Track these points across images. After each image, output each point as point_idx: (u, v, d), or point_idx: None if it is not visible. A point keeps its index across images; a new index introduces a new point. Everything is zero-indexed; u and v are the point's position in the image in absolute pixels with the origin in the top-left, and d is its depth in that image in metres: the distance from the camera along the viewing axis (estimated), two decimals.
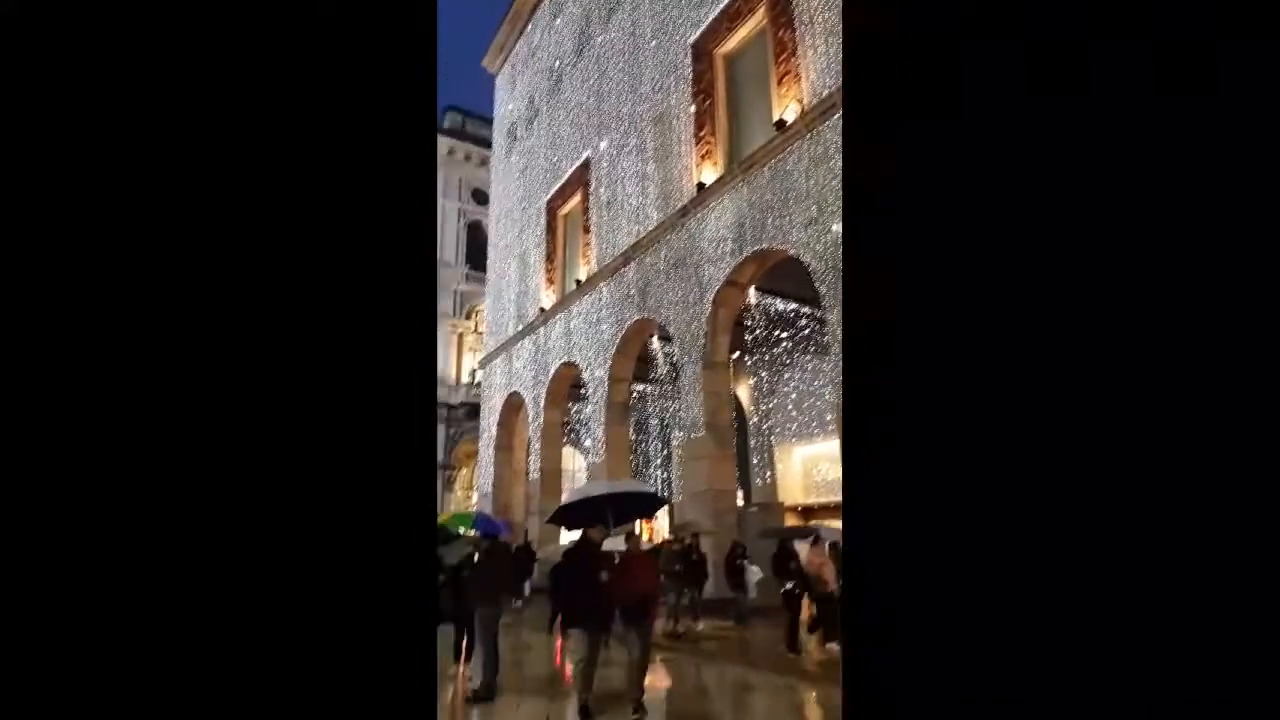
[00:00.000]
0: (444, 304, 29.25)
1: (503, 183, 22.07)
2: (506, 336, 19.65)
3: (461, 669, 6.76)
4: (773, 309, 12.92)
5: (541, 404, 17.02)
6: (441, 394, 28.11)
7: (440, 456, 27.68)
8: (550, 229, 18.03)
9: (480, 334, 26.20)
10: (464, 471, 28.19)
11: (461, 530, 8.71)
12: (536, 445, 17.10)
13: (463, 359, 29.16)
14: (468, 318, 29.63)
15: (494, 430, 19.83)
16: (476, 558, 6.61)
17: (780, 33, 10.76)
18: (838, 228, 8.95)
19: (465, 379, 28.60)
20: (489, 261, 22.86)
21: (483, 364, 22.08)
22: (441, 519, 9.62)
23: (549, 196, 18.14)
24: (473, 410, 26.14)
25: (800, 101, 10.18)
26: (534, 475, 17.14)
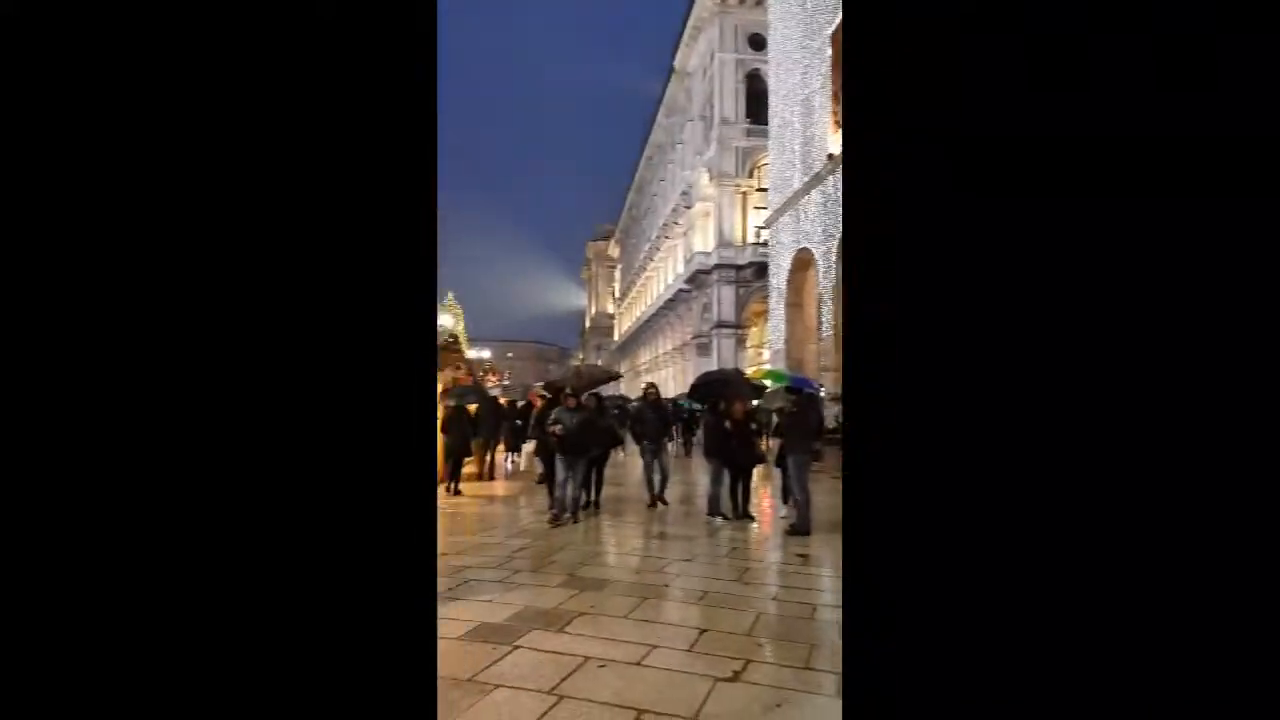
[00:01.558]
0: (726, 164, 29.13)
1: (782, 22, 20.46)
2: (792, 190, 19.02)
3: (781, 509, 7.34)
4: None
5: (833, 258, 16.44)
6: (728, 255, 28.74)
7: (731, 316, 28.80)
8: (836, 63, 16.43)
9: (764, 191, 25.72)
10: (754, 330, 29.06)
11: (768, 383, 9.14)
12: (829, 302, 16.78)
13: (747, 218, 29.14)
14: (750, 175, 29.19)
15: (783, 288, 19.85)
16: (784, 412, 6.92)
17: None
18: None
19: (750, 239, 28.70)
20: (770, 111, 21.86)
21: (768, 222, 21.83)
22: (752, 374, 10.16)
23: (834, 27, 16.39)
24: (760, 269, 26.38)
25: None
26: (826, 333, 16.98)
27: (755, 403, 7.64)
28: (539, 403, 9.18)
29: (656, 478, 7.61)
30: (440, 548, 5.74)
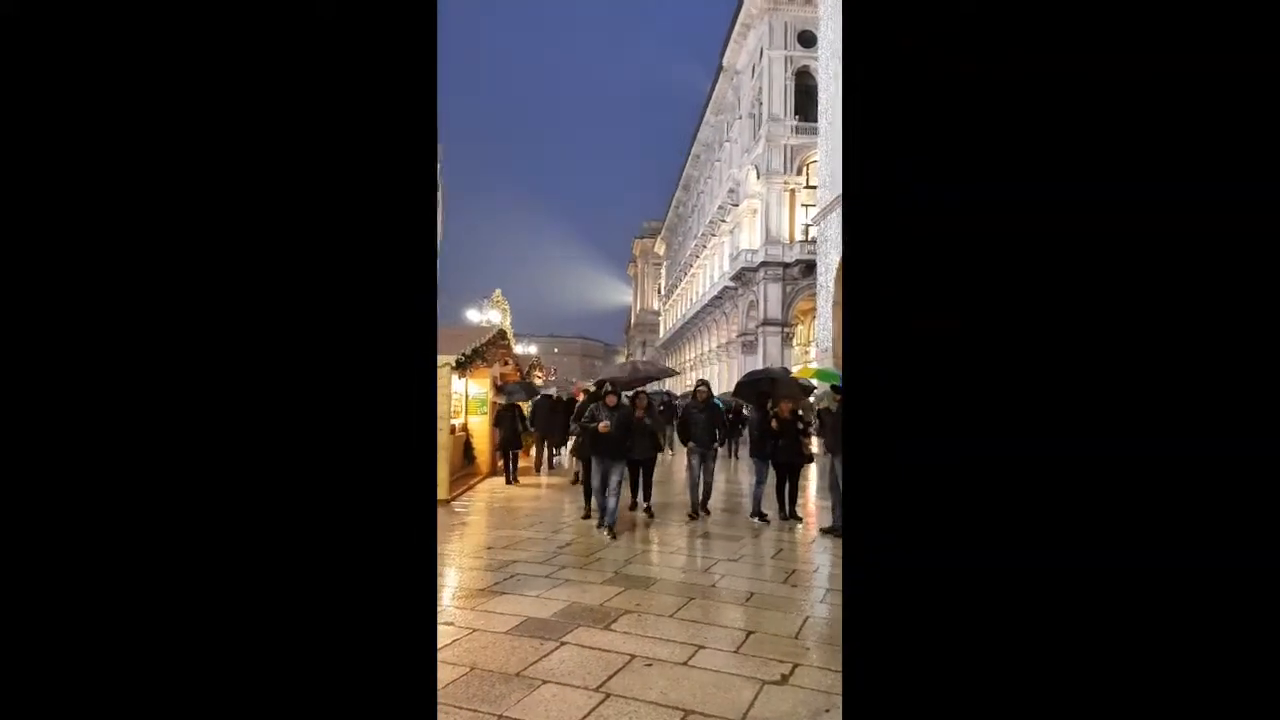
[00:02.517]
0: (774, 161, 28.79)
1: (833, 18, 20.09)
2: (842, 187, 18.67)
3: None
4: None
5: None
6: (775, 252, 28.41)
7: (778, 314, 28.47)
8: None
9: (813, 188, 25.31)
10: (801, 328, 28.68)
11: (815, 382, 9.01)
12: None
13: (795, 215, 28.75)
14: (799, 173, 28.79)
15: (831, 286, 19.52)
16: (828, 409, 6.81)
17: None
18: None
19: (799, 236, 28.30)
20: (820, 108, 21.52)
21: (816, 220, 21.49)
22: (800, 372, 10.06)
23: None
24: (807, 267, 26.01)
25: None
26: None
27: (806, 401, 7.51)
28: (582, 398, 9.31)
29: (700, 485, 7.01)
30: (487, 541, 5.85)
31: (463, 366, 8.20)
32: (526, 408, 10.41)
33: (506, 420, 9.55)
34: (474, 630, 3.53)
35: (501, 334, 10.49)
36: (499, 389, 10.58)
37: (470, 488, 8.92)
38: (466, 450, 9.87)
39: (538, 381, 13.78)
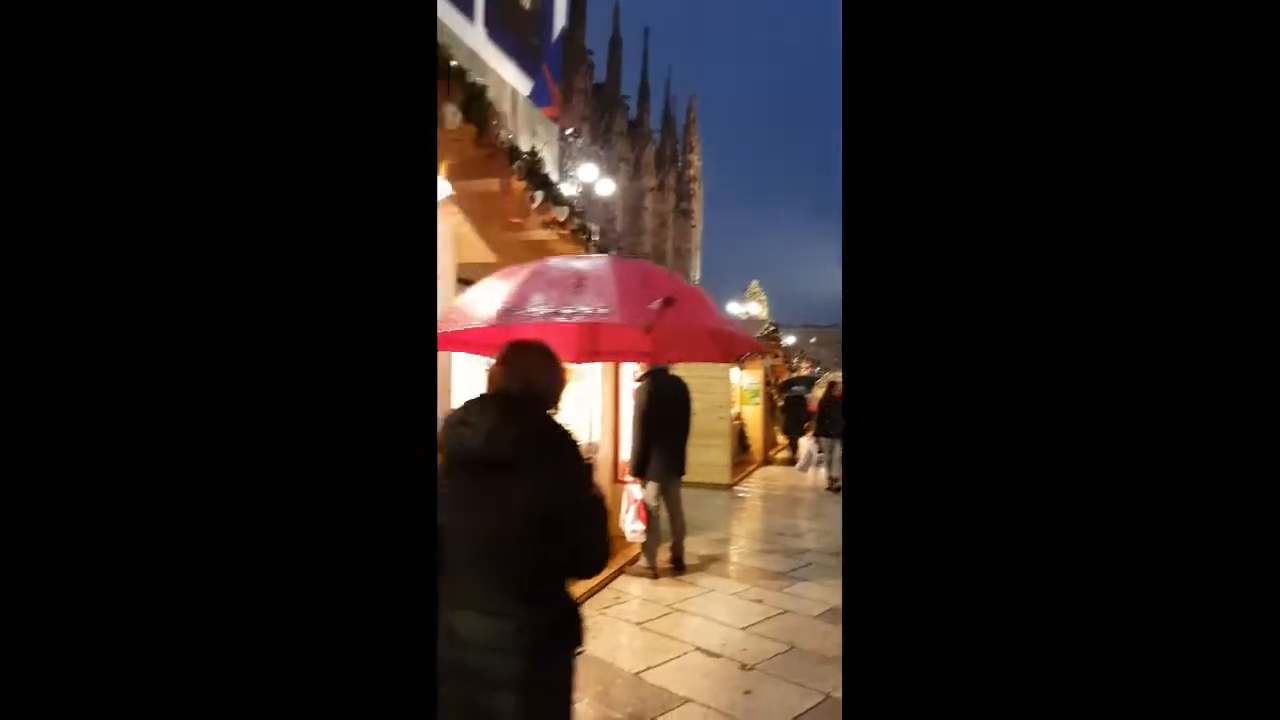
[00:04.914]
0: None
1: None
2: None
3: None
4: None
5: None
6: None
7: None
8: None
9: None
10: None
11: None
12: None
13: None
14: None
15: None
16: None
17: None
18: None
19: None
20: None
21: None
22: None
23: None
24: None
25: None
26: None
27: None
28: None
29: None
30: (774, 528, 6.13)
31: (741, 360, 8.58)
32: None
33: (792, 411, 10.59)
34: (785, 611, 3.77)
35: (774, 327, 10.78)
36: (785, 384, 11.33)
37: (747, 474, 9.30)
38: (741, 439, 10.31)
39: (804, 372, 13.92)
